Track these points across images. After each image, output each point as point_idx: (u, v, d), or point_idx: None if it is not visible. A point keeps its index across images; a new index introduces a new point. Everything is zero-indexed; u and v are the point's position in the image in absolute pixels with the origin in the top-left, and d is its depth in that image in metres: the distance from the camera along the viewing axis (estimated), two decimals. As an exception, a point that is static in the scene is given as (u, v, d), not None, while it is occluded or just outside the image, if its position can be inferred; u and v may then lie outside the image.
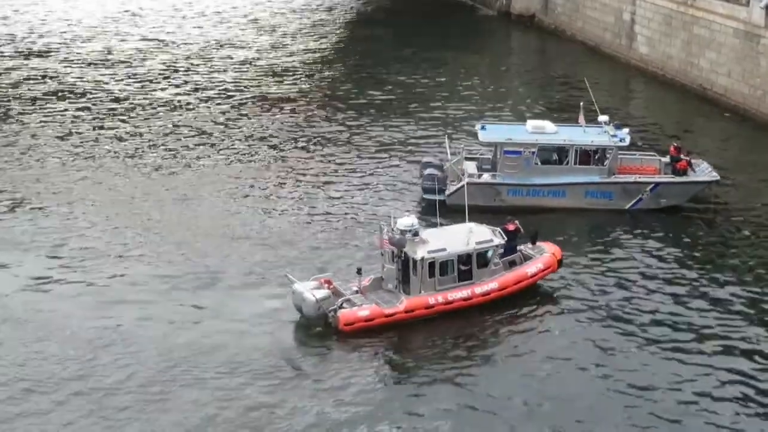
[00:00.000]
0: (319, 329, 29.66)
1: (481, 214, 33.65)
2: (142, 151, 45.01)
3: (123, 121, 49.43)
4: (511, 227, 32.60)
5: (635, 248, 35.39)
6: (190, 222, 37.44)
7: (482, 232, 31.39)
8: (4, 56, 62.80)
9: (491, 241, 31.26)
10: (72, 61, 61.68)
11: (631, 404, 26.39)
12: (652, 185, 38.29)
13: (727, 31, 52.02)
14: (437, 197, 36.81)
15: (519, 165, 38.09)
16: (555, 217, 37.05)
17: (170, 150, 45.22)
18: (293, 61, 62.77)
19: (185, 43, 66.77)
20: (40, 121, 49.20)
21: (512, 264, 31.89)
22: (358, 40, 69.93)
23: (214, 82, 56.80)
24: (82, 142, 46.27)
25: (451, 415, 25.82)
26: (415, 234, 30.61)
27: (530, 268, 31.70)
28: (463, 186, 37.31)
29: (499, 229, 32.00)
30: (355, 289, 30.77)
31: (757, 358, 28.41)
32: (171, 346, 28.81)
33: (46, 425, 25.49)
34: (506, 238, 31.80)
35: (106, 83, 56.45)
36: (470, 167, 39.36)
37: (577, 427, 25.56)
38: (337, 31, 72.82)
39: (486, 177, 38.49)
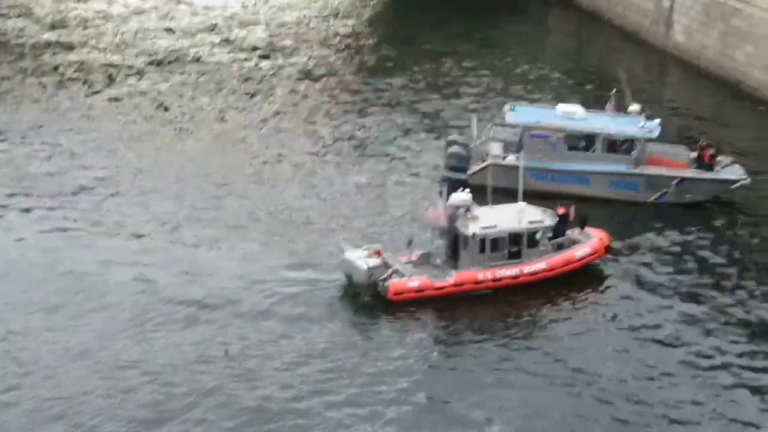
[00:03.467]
0: (367, 299, 30.04)
1: (504, 196, 33.37)
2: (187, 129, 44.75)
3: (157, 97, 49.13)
4: (561, 210, 32.65)
5: (670, 242, 35.24)
6: (232, 200, 37.41)
7: (534, 212, 31.63)
8: None
9: (542, 221, 31.50)
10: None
11: (662, 388, 26.85)
12: (679, 180, 37.83)
13: (765, 25, 51.22)
14: (460, 176, 36.62)
15: (545, 149, 37.66)
16: (577, 206, 36.65)
17: (209, 127, 44.90)
18: (323, 36, 62.23)
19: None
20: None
21: (560, 247, 32.01)
22: (390, 19, 69.18)
23: (239, 55, 56.31)
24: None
25: (490, 392, 26.26)
26: (468, 210, 30.69)
27: (578, 252, 31.89)
28: (486, 166, 37.09)
29: (550, 210, 32.05)
30: (405, 261, 30.88)
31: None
32: (219, 302, 29.49)
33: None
34: (557, 221, 31.84)
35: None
36: (495, 148, 38.98)
37: (603, 408, 25.73)
38: (369, 10, 72.10)
39: (510, 159, 38.08)
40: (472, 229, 30.72)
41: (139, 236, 34.07)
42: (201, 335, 28.28)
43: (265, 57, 53.98)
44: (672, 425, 25.43)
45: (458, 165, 38.25)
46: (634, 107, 38.86)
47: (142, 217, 35.40)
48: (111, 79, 49.22)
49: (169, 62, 51.98)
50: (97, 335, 28.19)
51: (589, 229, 33.01)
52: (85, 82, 48.86)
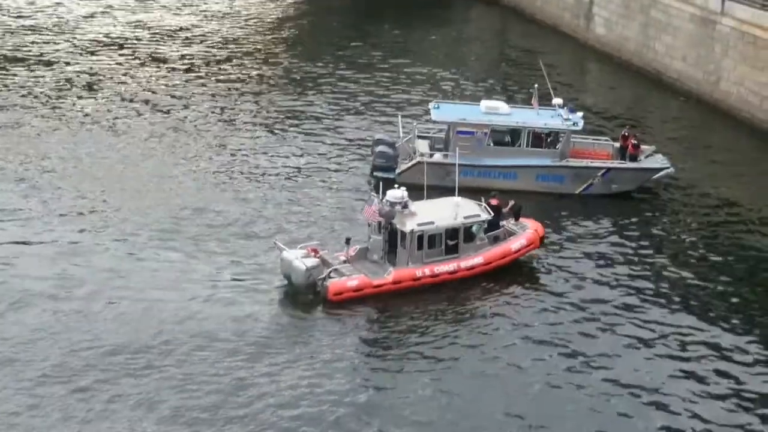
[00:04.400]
0: (310, 297, 29.87)
1: (432, 192, 33.35)
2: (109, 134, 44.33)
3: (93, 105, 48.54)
4: (494, 202, 32.76)
5: (600, 233, 35.62)
6: (165, 196, 37.00)
7: (469, 207, 31.71)
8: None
9: (478, 216, 31.64)
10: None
11: (589, 383, 26.93)
12: (604, 170, 38.23)
13: (683, 16, 52.03)
14: (387, 175, 36.63)
15: (471, 145, 37.78)
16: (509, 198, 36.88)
17: (142, 135, 44.40)
18: (246, 41, 61.87)
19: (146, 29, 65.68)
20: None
21: (496, 239, 32.19)
22: (313, 16, 69.07)
23: (169, 64, 55.92)
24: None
25: (431, 385, 26.29)
26: (405, 206, 30.76)
27: (514, 244, 32.11)
28: (414, 164, 37.12)
29: (484, 204, 32.14)
30: (343, 258, 30.88)
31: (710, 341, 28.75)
32: (156, 317, 28.76)
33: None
34: (492, 214, 31.96)
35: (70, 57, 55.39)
36: (422, 146, 39.03)
37: (543, 397, 26.05)
38: (291, 12, 71.83)
39: (438, 156, 38.14)
40: (410, 225, 30.74)
41: (64, 240, 33.40)
42: (130, 338, 27.70)
43: (189, 70, 53.49)
44: (611, 417, 25.60)
45: (385, 164, 38.26)
46: (557, 101, 39.17)
47: (66, 225, 34.71)
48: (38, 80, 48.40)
49: (95, 75, 51.24)
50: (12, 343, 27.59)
51: (523, 220, 33.23)
52: None
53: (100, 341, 27.51)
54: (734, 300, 31.20)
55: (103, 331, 27.99)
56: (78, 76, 50.59)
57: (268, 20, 65.84)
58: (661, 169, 38.57)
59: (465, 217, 31.35)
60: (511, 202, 33.42)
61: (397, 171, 37.68)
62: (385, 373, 26.96)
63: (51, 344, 27.31)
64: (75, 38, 57.76)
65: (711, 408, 25.96)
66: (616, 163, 38.64)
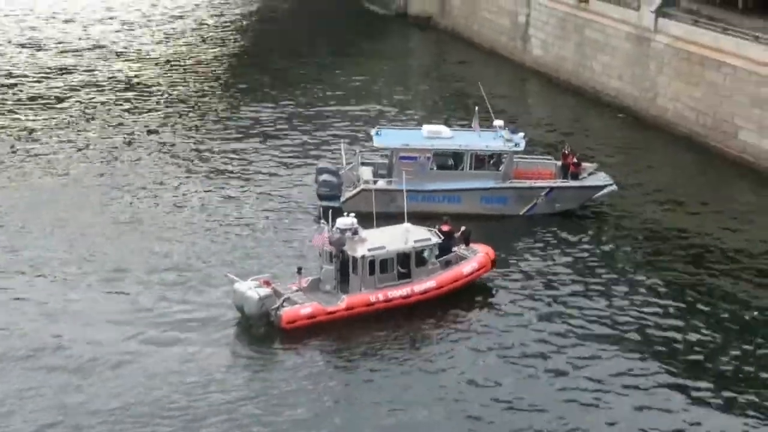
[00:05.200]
0: (261, 329, 29.56)
1: (378, 219, 33.30)
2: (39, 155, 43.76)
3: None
4: (446, 228, 32.91)
5: (547, 253, 35.72)
6: (110, 234, 36.38)
7: (419, 232, 31.79)
8: None
9: (429, 240, 31.69)
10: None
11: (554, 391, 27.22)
12: (547, 190, 38.45)
13: (618, 35, 52.74)
14: (332, 203, 36.50)
15: (414, 170, 37.78)
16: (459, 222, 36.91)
17: (69, 158, 43.97)
18: (185, 64, 61.63)
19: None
20: None
21: (448, 264, 32.35)
22: (250, 44, 69.13)
23: (100, 84, 55.46)
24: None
25: (392, 415, 26.11)
26: (355, 233, 30.76)
27: (466, 268, 32.23)
28: (358, 192, 37.06)
29: (435, 229, 32.34)
30: (295, 288, 30.74)
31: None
32: (103, 358, 28.13)
33: None
34: (442, 238, 32.13)
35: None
36: (366, 173, 38.98)
37: (505, 418, 26.12)
38: (230, 35, 71.82)
39: (381, 183, 38.12)
40: (360, 251, 30.70)
41: (7, 277, 32.85)
42: (77, 379, 27.15)
43: (130, 89, 53.14)
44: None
45: (330, 193, 38.09)
46: (498, 122, 39.36)
47: (10, 257, 34.15)
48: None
49: (34, 98, 50.70)
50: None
51: (474, 245, 33.36)
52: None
53: (49, 385, 26.91)
54: (681, 314, 31.44)
55: (51, 374, 27.35)
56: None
57: (206, 55, 65.59)
58: (604, 187, 38.91)
59: (416, 242, 31.42)
60: (462, 228, 33.52)
61: (342, 199, 37.56)
62: (343, 403, 26.67)
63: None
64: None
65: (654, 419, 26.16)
66: (558, 183, 38.88)
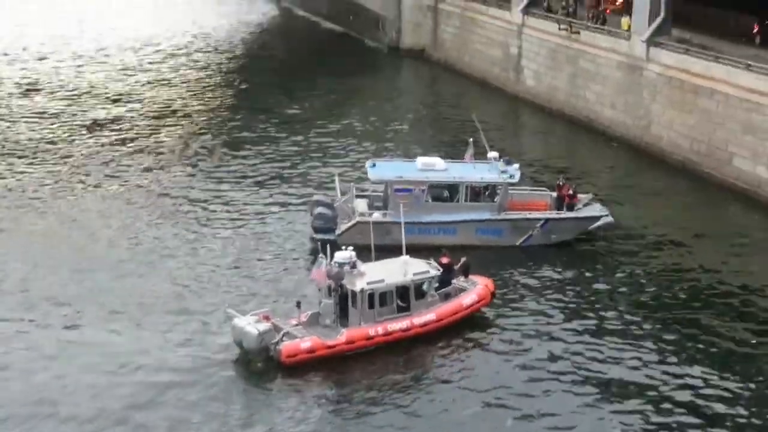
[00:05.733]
0: (259, 364, 29.36)
1: (374, 252, 33.17)
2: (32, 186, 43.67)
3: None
4: (445, 260, 32.83)
5: (545, 284, 35.55)
6: (107, 270, 36.12)
7: (418, 264, 31.72)
8: None
9: (427, 272, 31.60)
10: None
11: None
12: (543, 221, 38.39)
13: (610, 65, 52.96)
14: (328, 237, 36.37)
15: (409, 203, 37.69)
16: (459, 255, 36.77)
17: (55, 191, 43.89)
18: (178, 97, 61.73)
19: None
20: None
21: (447, 296, 32.23)
22: (245, 76, 69.29)
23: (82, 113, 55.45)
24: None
25: None
26: (354, 266, 30.66)
27: (465, 300, 32.13)
28: (353, 224, 36.98)
29: (433, 261, 32.28)
30: (294, 323, 30.61)
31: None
32: (103, 394, 27.93)
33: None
34: (441, 270, 32.07)
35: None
36: (361, 205, 38.91)
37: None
38: (225, 67, 72.06)
39: (377, 215, 37.99)
40: (360, 285, 30.55)
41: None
42: (76, 419, 26.94)
43: (117, 130, 53.07)
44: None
45: (325, 225, 37.99)
46: (493, 154, 39.36)
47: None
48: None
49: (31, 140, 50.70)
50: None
51: (473, 277, 33.27)
52: None
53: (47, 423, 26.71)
54: (681, 344, 31.26)
55: (48, 414, 27.08)
56: None
57: (199, 85, 65.73)
58: (600, 218, 38.85)
59: (414, 274, 31.31)
60: (462, 259, 33.42)
61: (337, 232, 37.47)
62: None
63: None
64: None
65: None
66: (554, 214, 38.81)
